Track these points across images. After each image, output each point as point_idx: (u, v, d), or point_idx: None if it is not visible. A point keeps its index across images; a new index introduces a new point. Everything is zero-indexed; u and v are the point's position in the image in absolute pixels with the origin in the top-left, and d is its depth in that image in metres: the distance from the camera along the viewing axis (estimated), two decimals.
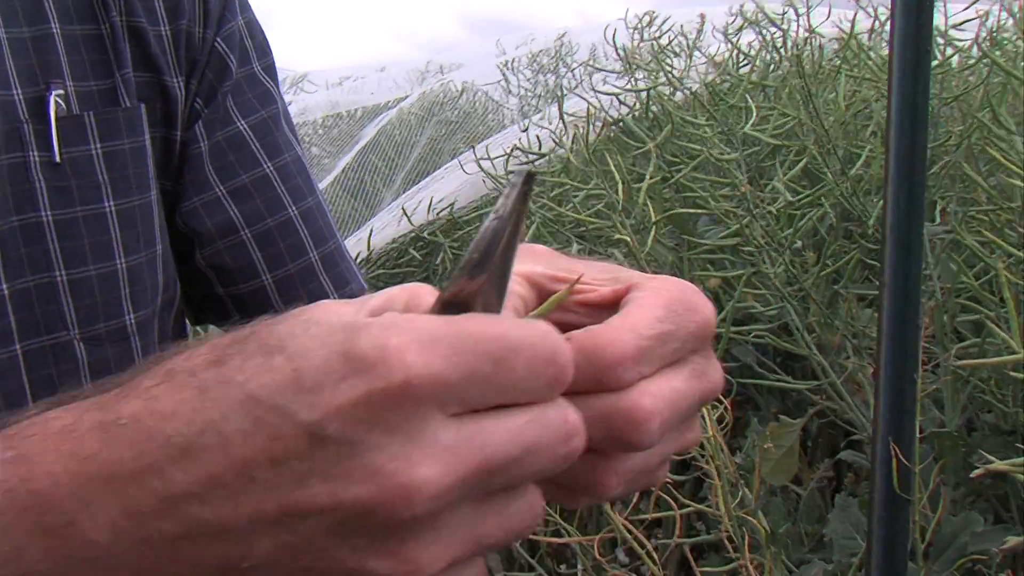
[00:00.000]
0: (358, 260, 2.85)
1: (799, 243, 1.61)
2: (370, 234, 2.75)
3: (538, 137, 2.44)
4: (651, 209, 1.47)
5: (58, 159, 0.87)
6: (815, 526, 1.67)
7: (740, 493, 1.38)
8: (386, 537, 0.45)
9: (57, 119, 0.87)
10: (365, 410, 0.44)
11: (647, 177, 1.47)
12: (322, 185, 3.49)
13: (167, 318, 1.00)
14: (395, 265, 2.88)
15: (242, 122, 1.01)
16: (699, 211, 1.69)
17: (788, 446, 2.05)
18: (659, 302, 0.56)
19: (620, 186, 1.43)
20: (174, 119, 0.97)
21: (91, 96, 0.90)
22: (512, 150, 2.27)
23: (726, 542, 1.22)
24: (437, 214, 2.73)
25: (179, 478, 0.46)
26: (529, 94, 3.87)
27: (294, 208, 1.02)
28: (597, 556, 1.34)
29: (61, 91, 0.88)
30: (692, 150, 1.89)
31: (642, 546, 1.33)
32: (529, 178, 0.50)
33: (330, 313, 0.49)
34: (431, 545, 0.46)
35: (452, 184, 2.81)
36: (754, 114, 1.63)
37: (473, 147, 2.45)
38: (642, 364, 0.54)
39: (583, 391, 0.53)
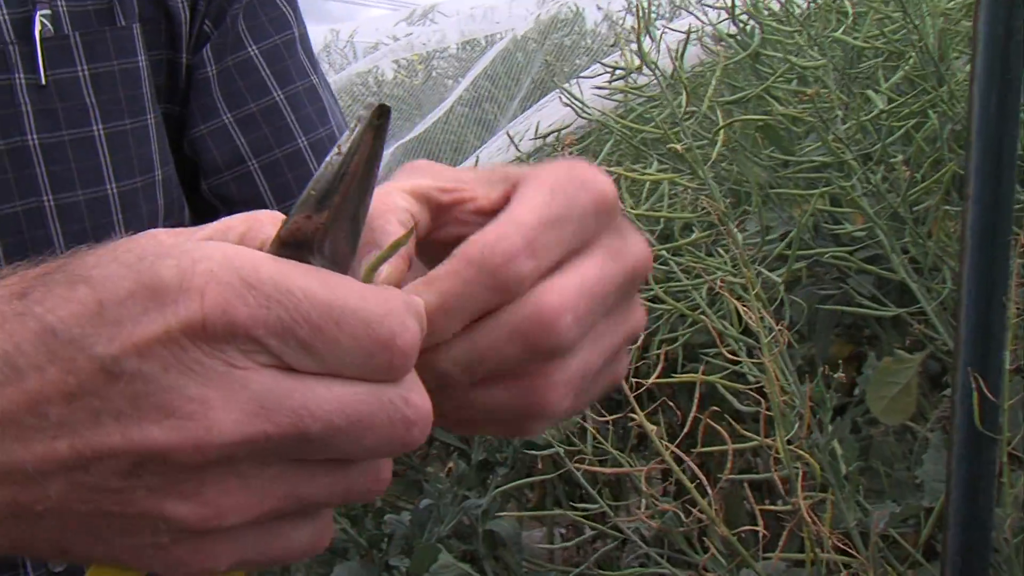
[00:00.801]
0: None
1: (897, 156, 1.46)
2: (476, 162, 2.68)
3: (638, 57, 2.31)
4: (719, 115, 1.35)
5: (43, 81, 0.84)
6: (906, 469, 1.54)
7: (814, 428, 1.26)
8: (183, 480, 0.43)
9: (42, 40, 0.84)
10: (164, 347, 0.41)
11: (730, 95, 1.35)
12: (438, 114, 3.45)
13: None
14: None
15: (253, 47, 0.97)
16: (777, 122, 1.55)
17: (904, 383, 1.90)
18: (542, 188, 0.50)
19: (685, 98, 1.31)
20: (179, 41, 0.93)
21: (86, 16, 0.87)
22: (613, 71, 2.15)
23: (776, 480, 1.12)
24: (544, 140, 2.66)
25: None
26: (648, 14, 3.69)
27: (304, 139, 0.98)
28: (644, 487, 1.25)
29: (48, 11, 0.85)
30: (789, 62, 1.74)
31: (693, 479, 1.23)
32: (380, 112, 0.45)
33: (151, 240, 0.44)
34: (235, 492, 0.43)
35: (560, 110, 2.72)
36: (850, 16, 1.48)
37: (577, 74, 2.34)
38: (536, 257, 0.49)
39: (490, 310, 0.48)
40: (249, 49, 0.96)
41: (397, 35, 4.78)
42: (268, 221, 0.48)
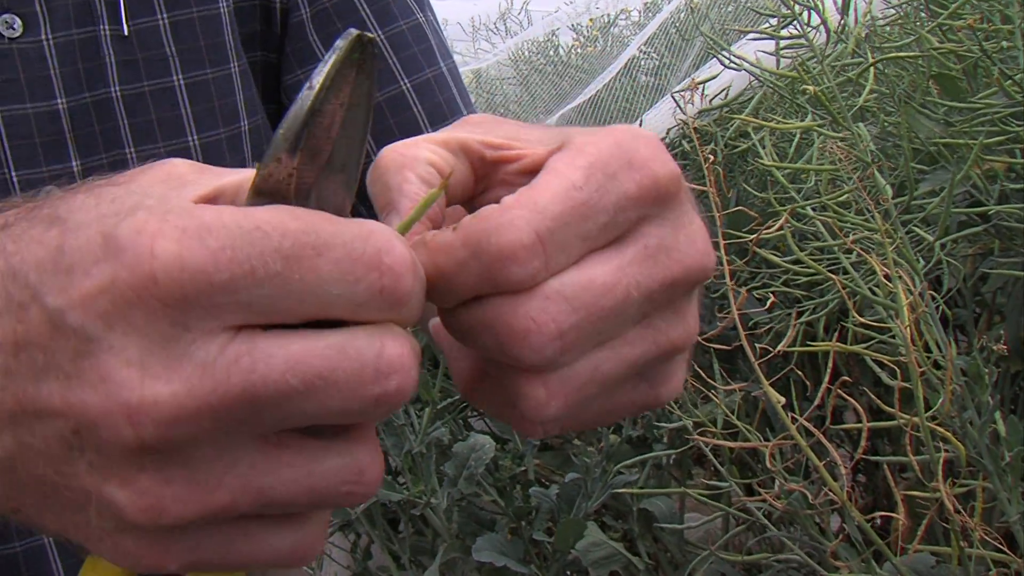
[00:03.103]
0: None
1: None
2: (640, 125, 2.57)
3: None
4: (868, 54, 1.21)
5: (126, 31, 0.83)
6: None
7: (969, 405, 1.12)
8: (121, 461, 0.38)
9: None
10: (108, 302, 0.37)
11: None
12: (606, 78, 3.36)
13: None
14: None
15: None
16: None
17: None
18: (578, 163, 0.42)
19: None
20: None
21: None
22: (783, 26, 2.00)
23: (913, 461, 0.99)
24: (710, 101, 2.53)
25: None
26: None
27: (407, 81, 0.93)
28: (769, 464, 1.14)
29: None
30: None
31: (821, 456, 1.12)
32: (358, 43, 0.39)
33: (153, 180, 0.41)
34: (177, 483, 0.38)
35: (727, 73, 2.58)
36: None
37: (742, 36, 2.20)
38: (547, 255, 0.41)
39: (484, 293, 0.42)
40: None
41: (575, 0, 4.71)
42: None
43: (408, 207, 0.44)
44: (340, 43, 0.39)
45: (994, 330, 1.41)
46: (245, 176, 0.42)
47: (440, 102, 0.95)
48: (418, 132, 0.94)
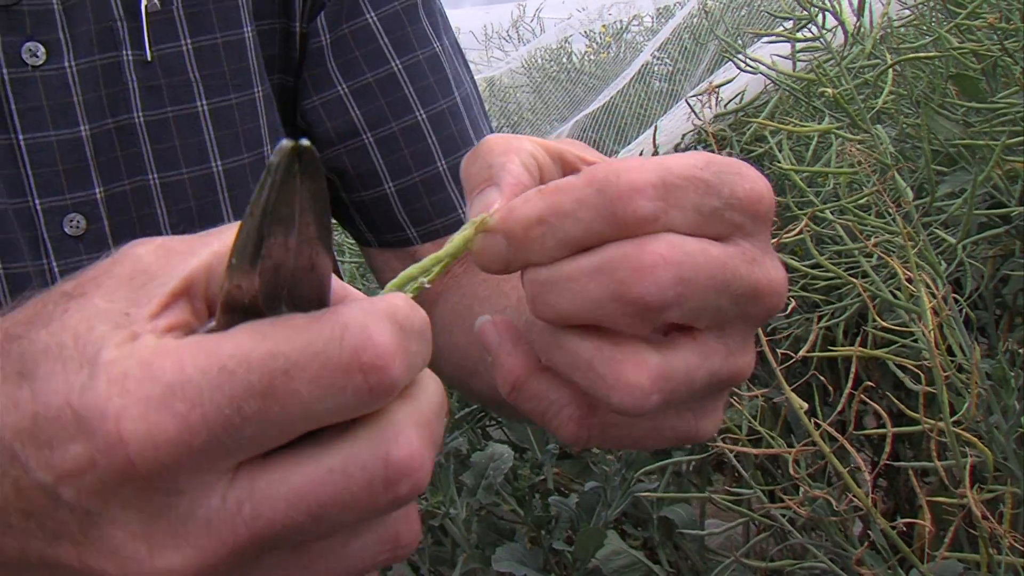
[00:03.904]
0: None
1: None
2: (655, 131, 2.57)
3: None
4: (886, 56, 1.19)
5: (149, 57, 0.83)
6: None
7: (995, 410, 1.10)
8: None
9: (148, 14, 0.83)
10: (95, 480, 0.37)
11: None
12: (620, 84, 3.35)
13: None
14: None
15: (371, 14, 0.92)
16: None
17: None
18: (698, 156, 0.44)
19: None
20: (292, 9, 0.90)
21: None
22: (799, 29, 1.98)
23: (939, 466, 0.97)
24: (724, 106, 2.51)
25: None
26: None
27: (422, 112, 0.92)
28: (792, 472, 1.12)
29: None
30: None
31: (846, 463, 1.10)
32: (294, 155, 0.37)
33: (116, 287, 0.40)
34: None
35: (742, 77, 2.56)
36: None
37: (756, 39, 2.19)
38: (667, 202, 0.42)
39: (593, 243, 0.42)
40: (367, 16, 0.91)
41: (587, 6, 4.68)
42: None
43: (511, 184, 0.45)
44: (275, 160, 0.37)
45: (1016, 332, 1.39)
46: (219, 250, 0.41)
47: (452, 133, 0.94)
48: (431, 164, 0.93)
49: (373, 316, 0.37)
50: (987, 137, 1.56)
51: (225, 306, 0.39)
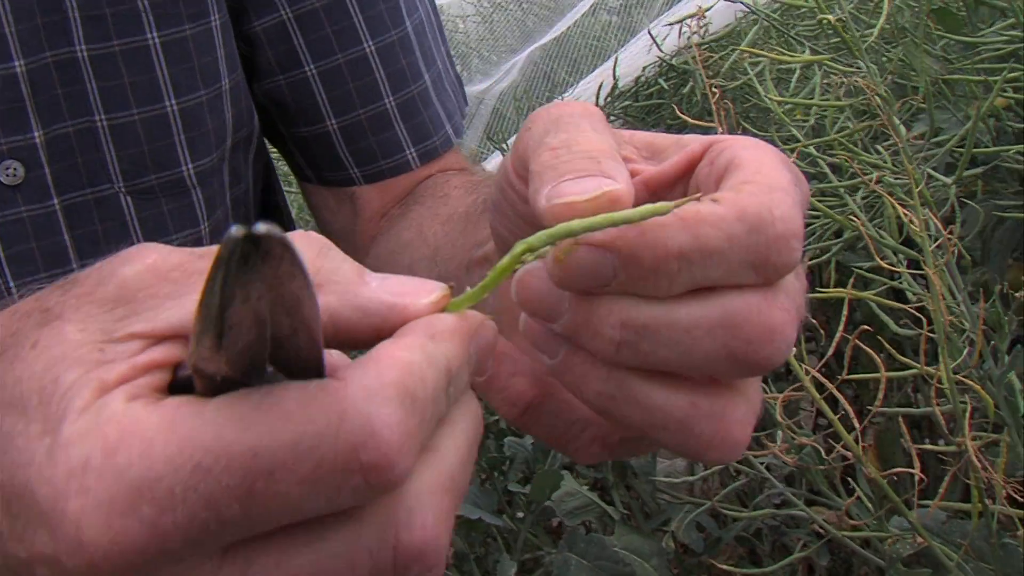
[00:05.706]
0: (604, 92, 2.61)
1: None
2: (615, 64, 2.50)
3: None
4: None
5: None
6: None
7: (987, 356, 1.06)
8: None
9: None
10: (65, 571, 0.33)
11: None
12: (575, 16, 3.26)
13: (242, 159, 0.87)
14: (645, 96, 2.63)
15: None
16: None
17: None
18: (777, 162, 0.40)
19: None
20: None
21: None
22: None
23: (936, 413, 0.93)
24: (688, 39, 2.44)
25: None
26: None
27: (371, 43, 0.85)
28: (780, 418, 1.08)
29: None
30: None
31: (836, 409, 1.06)
32: (242, 246, 0.30)
33: (91, 313, 0.35)
34: None
35: (713, 10, 2.49)
36: None
37: None
38: (801, 241, 0.38)
39: (734, 280, 0.38)
40: None
41: None
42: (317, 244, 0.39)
43: (627, 183, 0.39)
44: (222, 253, 0.30)
45: (1009, 273, 1.36)
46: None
47: (402, 67, 0.87)
48: (377, 100, 0.86)
49: (378, 399, 0.31)
50: (971, 73, 1.51)
51: (198, 374, 0.33)
